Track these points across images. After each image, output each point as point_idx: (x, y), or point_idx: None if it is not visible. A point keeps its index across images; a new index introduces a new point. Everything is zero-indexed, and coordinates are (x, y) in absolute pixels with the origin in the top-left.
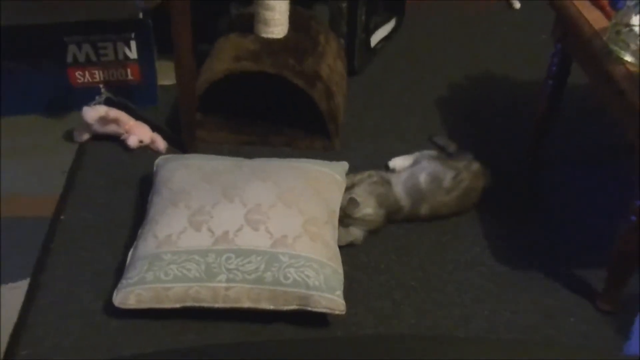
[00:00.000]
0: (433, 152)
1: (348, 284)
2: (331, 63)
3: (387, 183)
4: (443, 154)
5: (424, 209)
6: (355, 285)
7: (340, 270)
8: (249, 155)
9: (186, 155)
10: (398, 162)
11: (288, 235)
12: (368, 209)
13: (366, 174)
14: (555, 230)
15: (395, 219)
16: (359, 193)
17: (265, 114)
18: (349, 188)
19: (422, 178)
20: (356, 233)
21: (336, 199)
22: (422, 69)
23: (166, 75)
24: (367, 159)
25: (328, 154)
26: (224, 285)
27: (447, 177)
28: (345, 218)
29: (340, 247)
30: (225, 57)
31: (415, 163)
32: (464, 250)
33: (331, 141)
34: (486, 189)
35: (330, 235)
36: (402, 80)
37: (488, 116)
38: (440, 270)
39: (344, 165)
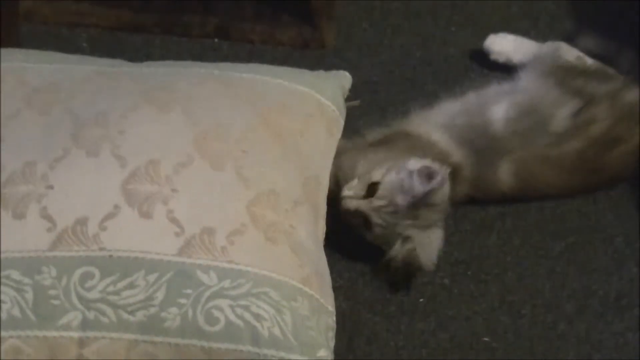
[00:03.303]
0: (570, 53)
1: (348, 338)
2: None
3: (412, 137)
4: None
5: (504, 170)
6: (365, 341)
7: (330, 303)
8: (138, 57)
9: None
10: (510, 43)
11: (216, 228)
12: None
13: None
14: None
15: (453, 197)
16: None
17: None
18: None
19: (500, 113)
20: (436, 239)
21: (323, 152)
22: None
23: None
24: (392, 65)
25: (309, 57)
26: (75, 336)
27: (560, 111)
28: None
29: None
30: None
31: (532, 61)
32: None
33: (317, 28)
34: None
35: (307, 228)
36: None
37: None
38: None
39: (342, 79)
